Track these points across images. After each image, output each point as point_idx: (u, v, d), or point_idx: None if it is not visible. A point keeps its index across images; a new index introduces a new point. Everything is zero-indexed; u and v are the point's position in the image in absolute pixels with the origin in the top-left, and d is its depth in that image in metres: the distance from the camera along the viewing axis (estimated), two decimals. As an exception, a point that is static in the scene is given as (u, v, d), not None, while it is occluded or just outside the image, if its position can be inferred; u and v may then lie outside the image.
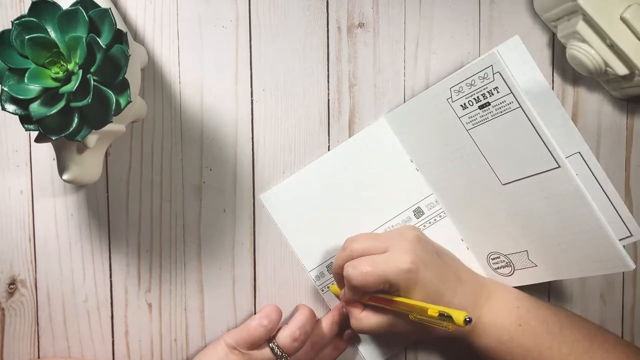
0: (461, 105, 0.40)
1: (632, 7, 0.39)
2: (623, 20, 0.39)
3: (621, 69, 0.41)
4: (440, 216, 0.46)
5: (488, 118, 0.39)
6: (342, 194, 0.45)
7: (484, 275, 0.46)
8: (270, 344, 0.41)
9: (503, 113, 0.38)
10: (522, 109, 0.37)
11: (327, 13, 0.44)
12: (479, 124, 0.40)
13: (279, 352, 0.41)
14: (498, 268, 0.45)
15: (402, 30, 0.45)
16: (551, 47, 0.46)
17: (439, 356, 0.48)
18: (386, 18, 0.45)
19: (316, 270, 0.46)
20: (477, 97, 0.39)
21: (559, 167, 0.37)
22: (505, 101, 0.37)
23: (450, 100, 0.40)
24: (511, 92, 0.37)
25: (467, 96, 0.39)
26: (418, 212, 0.46)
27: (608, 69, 0.41)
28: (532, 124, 0.37)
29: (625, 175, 0.47)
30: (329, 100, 0.45)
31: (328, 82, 0.45)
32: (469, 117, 0.40)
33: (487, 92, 0.38)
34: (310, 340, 0.43)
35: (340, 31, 0.44)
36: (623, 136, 0.47)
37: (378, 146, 0.45)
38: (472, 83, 0.38)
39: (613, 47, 0.40)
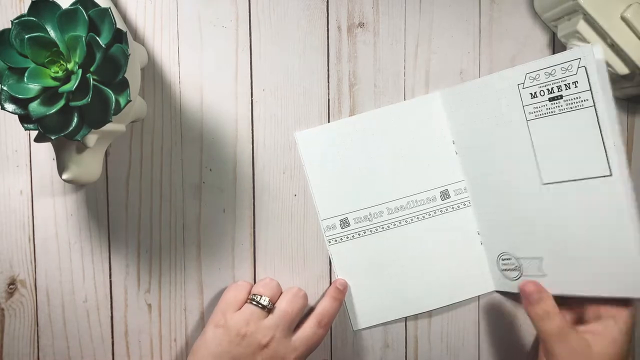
0: (531, 94, 0.39)
1: (632, 6, 0.39)
2: (624, 19, 0.39)
3: (622, 69, 0.41)
4: (464, 204, 0.45)
5: (554, 112, 0.38)
6: (376, 155, 0.45)
7: (489, 274, 0.46)
8: (250, 297, 0.42)
9: (572, 109, 0.38)
10: (595, 108, 0.37)
11: (327, 13, 0.44)
12: (542, 116, 0.39)
13: (261, 299, 0.41)
14: (506, 270, 0.44)
15: (402, 30, 0.45)
16: (551, 47, 0.46)
17: (439, 329, 0.47)
18: (386, 18, 0.45)
19: (328, 221, 0.45)
20: (552, 87, 0.38)
21: (611, 175, 0.37)
22: (579, 97, 0.37)
23: (521, 86, 0.40)
24: (590, 90, 0.37)
25: (541, 85, 0.39)
26: (444, 195, 0.45)
27: (609, 68, 0.41)
28: (599, 125, 0.37)
29: (626, 175, 0.47)
30: (329, 100, 0.45)
31: (328, 82, 0.45)
32: (535, 107, 0.39)
33: (565, 84, 0.38)
34: (317, 318, 0.43)
35: (341, 31, 0.44)
36: (624, 136, 0.47)
37: (425, 119, 0.45)
38: (552, 72, 0.38)
39: (614, 46, 0.40)
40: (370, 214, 0.45)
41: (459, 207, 0.45)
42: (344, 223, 0.45)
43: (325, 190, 0.45)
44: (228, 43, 0.44)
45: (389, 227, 0.45)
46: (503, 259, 0.44)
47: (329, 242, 0.46)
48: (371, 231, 0.45)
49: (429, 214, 0.45)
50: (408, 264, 0.46)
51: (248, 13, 0.44)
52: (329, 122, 0.45)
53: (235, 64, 0.44)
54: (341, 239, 0.46)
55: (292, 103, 0.44)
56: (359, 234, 0.46)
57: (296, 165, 0.45)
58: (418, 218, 0.45)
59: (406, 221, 0.45)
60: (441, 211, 0.45)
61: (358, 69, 0.45)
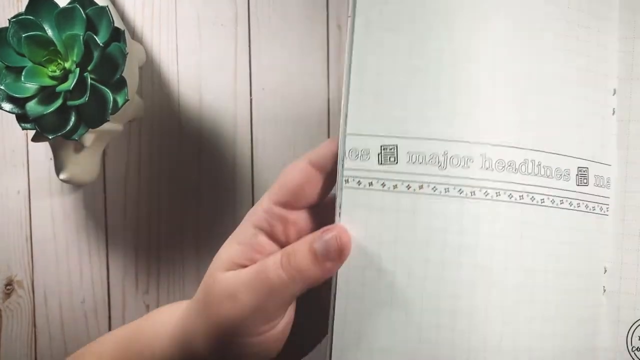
0: None
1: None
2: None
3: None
4: (600, 209, 0.25)
5: None
6: (496, 38, 0.24)
7: (602, 352, 0.26)
8: None
9: None
10: None
11: (327, 11, 0.44)
12: None
13: None
14: None
15: (402, 29, 0.45)
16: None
17: None
18: (386, 17, 0.45)
19: (358, 141, 0.24)
20: None
21: None
22: None
23: None
24: None
25: None
26: (582, 175, 0.25)
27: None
28: None
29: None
30: (329, 99, 0.44)
31: (328, 81, 0.44)
32: None
33: None
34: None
35: (341, 29, 0.44)
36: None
37: (584, 18, 0.25)
38: None
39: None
40: (445, 153, 0.23)
41: (593, 208, 0.25)
42: (388, 154, 0.24)
43: (372, 82, 0.24)
44: (227, 42, 0.43)
45: (474, 193, 0.23)
46: None
47: (346, 180, 0.24)
48: (434, 189, 0.23)
49: (549, 200, 0.24)
50: (479, 285, 0.23)
51: (247, 12, 0.43)
52: (328, 121, 0.44)
53: (235, 63, 0.44)
54: (369, 184, 0.24)
55: (292, 102, 0.44)
56: (408, 187, 0.24)
57: (296, 165, 0.45)
58: (533, 200, 0.24)
59: (510, 196, 0.23)
60: (568, 202, 0.24)
61: (358, 69, 0.44)
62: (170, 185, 0.44)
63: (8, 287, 0.44)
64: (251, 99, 0.44)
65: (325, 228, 0.25)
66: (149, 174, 0.44)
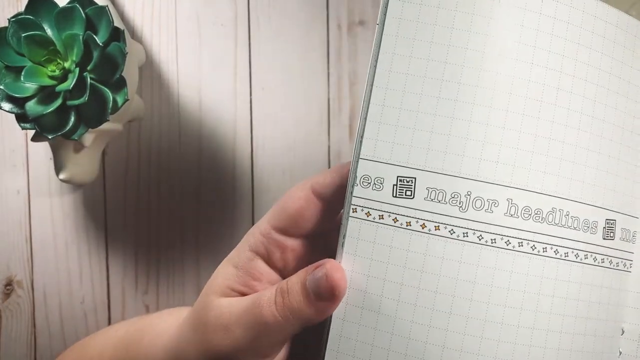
0: None
1: (637, 4, 0.38)
2: (628, 18, 0.38)
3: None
4: (624, 264, 0.24)
5: None
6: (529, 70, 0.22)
7: None
8: None
9: None
10: None
11: (327, 11, 0.44)
12: None
13: None
14: None
15: (403, 29, 0.45)
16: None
17: None
18: (387, 17, 0.44)
19: (372, 169, 0.22)
20: None
21: None
22: None
23: None
24: None
25: None
26: (609, 229, 0.23)
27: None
28: None
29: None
30: (329, 99, 0.44)
31: (328, 81, 0.44)
32: None
33: None
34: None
35: (341, 29, 0.44)
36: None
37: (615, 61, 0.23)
38: None
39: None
40: (468, 194, 0.22)
41: (617, 264, 0.23)
42: (404, 187, 0.22)
43: (396, 100, 0.22)
44: (227, 42, 0.43)
45: (494, 241, 0.22)
46: None
47: (353, 209, 0.22)
48: (452, 232, 0.22)
49: (574, 255, 0.22)
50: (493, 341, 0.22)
51: (247, 12, 0.43)
52: (329, 121, 0.44)
53: (234, 63, 0.44)
54: (380, 217, 0.22)
55: (292, 102, 0.44)
56: (422, 226, 0.22)
57: (297, 166, 0.44)
58: (557, 253, 0.22)
59: (533, 247, 0.22)
60: (592, 257, 0.23)
61: (359, 68, 0.44)
62: (170, 186, 0.44)
63: (8, 287, 0.43)
64: (251, 99, 0.44)
65: (317, 263, 0.23)
66: (149, 174, 0.43)
